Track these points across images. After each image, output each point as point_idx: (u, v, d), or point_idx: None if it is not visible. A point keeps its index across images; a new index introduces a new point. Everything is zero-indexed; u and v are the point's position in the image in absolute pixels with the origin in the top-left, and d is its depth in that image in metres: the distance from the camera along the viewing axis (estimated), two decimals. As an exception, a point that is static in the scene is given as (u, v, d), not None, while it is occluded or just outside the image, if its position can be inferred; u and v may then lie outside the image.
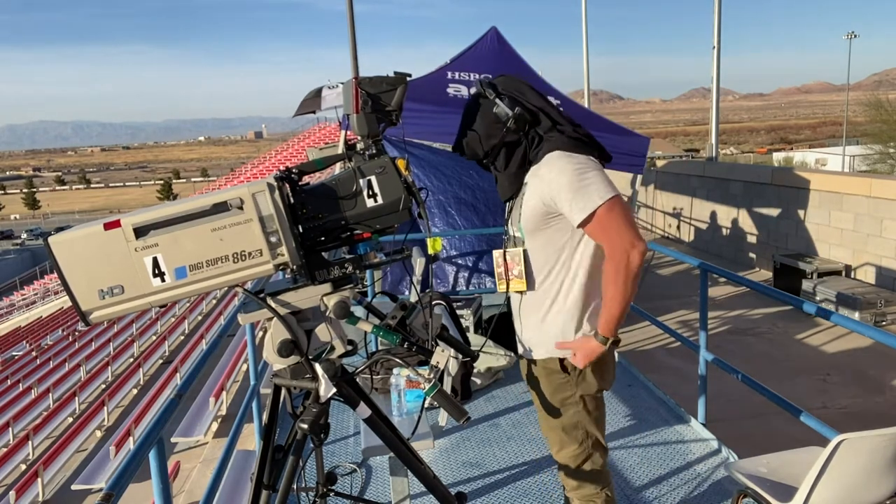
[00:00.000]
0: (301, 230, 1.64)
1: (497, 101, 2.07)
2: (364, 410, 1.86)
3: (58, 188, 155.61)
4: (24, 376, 14.96)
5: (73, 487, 8.88)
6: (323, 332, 1.76)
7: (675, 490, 3.35)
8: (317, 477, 2.04)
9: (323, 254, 1.71)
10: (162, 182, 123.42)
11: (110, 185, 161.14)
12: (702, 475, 3.48)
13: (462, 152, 2.19)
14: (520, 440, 3.93)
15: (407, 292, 6.50)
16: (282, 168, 1.71)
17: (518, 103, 2.08)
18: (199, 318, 17.82)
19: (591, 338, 2.10)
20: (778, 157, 55.63)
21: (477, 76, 7.66)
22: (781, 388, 3.46)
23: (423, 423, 2.48)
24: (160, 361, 14.44)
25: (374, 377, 3.41)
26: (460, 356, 1.98)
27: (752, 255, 10.96)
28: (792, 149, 74.79)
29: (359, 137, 1.74)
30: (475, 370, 4.62)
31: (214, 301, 18.59)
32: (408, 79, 1.80)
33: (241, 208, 1.55)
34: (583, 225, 2.02)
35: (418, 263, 5.37)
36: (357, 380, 1.90)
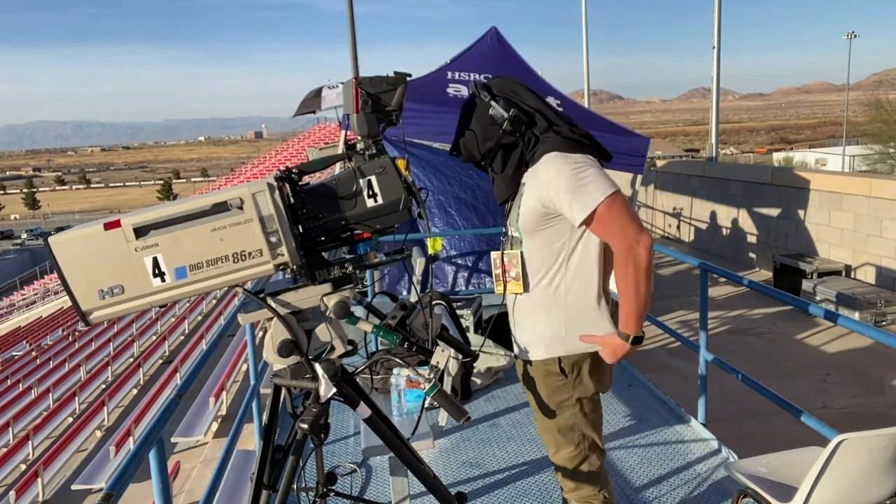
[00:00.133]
0: (301, 230, 1.64)
1: (492, 103, 2.07)
2: (364, 410, 1.86)
3: (58, 188, 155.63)
4: (24, 376, 14.96)
5: (73, 487, 8.89)
6: (323, 332, 1.76)
7: (675, 490, 3.35)
8: (317, 477, 2.04)
9: (323, 254, 1.71)
10: (162, 182, 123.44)
11: (110, 185, 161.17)
12: (702, 475, 3.48)
13: (459, 155, 2.19)
14: (520, 440, 3.93)
15: (404, 292, 6.51)
16: (282, 168, 1.71)
17: (513, 105, 2.07)
18: (199, 318, 17.82)
19: (615, 335, 2.09)
20: (778, 157, 55.64)
21: (477, 76, 7.66)
22: (781, 388, 3.46)
23: (423, 423, 2.48)
24: (160, 361, 14.44)
25: (374, 377, 3.41)
26: (460, 356, 1.98)
27: (752, 255, 10.96)
28: (792, 149, 74.80)
29: (359, 137, 1.74)
30: (475, 370, 4.62)
31: (214, 301, 18.59)
32: (408, 79, 1.80)
33: (241, 208, 1.55)
34: (585, 224, 2.02)
35: (418, 263, 5.37)
36: (357, 380, 1.90)
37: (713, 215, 12.02)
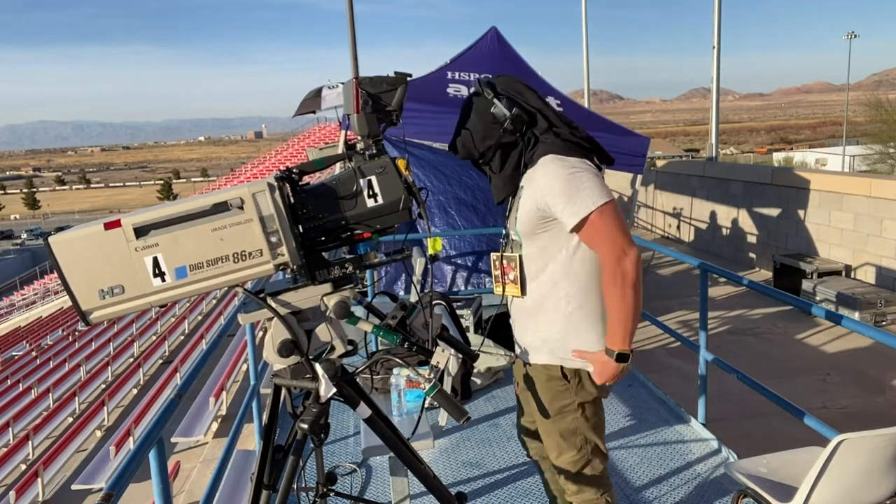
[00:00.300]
0: (301, 230, 1.64)
1: (495, 101, 2.05)
2: (364, 410, 1.86)
3: (58, 188, 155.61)
4: (24, 376, 14.96)
5: (73, 487, 8.88)
6: (323, 332, 1.76)
7: (675, 490, 3.35)
8: (317, 477, 2.04)
9: (323, 254, 1.71)
10: (162, 182, 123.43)
11: (110, 185, 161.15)
12: (702, 475, 3.48)
13: (457, 151, 2.18)
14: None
15: (401, 293, 6.50)
16: (282, 168, 1.71)
17: (516, 104, 2.06)
18: (199, 318, 17.81)
19: (604, 353, 2.08)
20: (778, 157, 55.62)
21: (477, 76, 7.66)
22: (781, 388, 3.46)
23: (423, 423, 2.48)
24: (160, 361, 14.44)
25: (374, 377, 3.41)
26: (460, 356, 1.98)
27: (752, 255, 10.96)
28: (792, 149, 74.79)
29: (359, 137, 1.74)
30: (475, 370, 4.62)
31: (214, 301, 18.59)
32: (408, 79, 1.79)
33: (241, 208, 1.55)
34: (576, 230, 2.01)
35: (418, 263, 5.37)
36: (357, 380, 1.90)
37: (713, 215, 12.02)
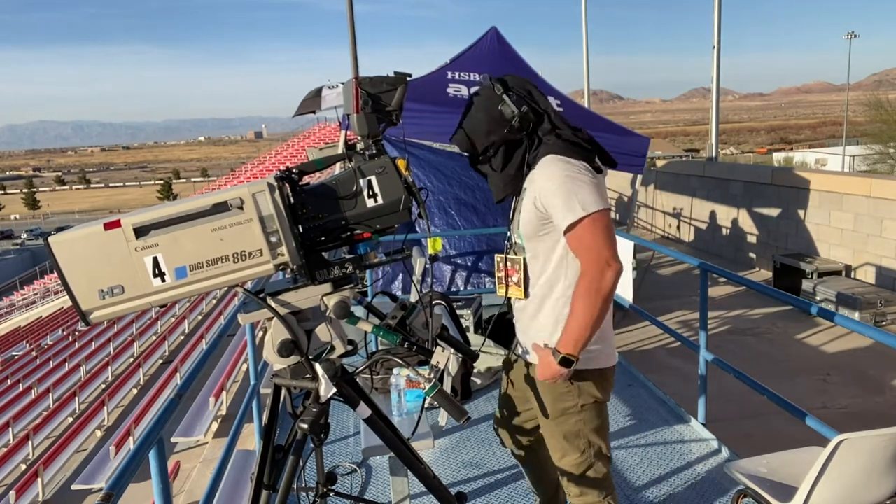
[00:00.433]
0: (301, 230, 1.64)
1: (504, 97, 2.04)
2: (364, 410, 1.86)
3: (58, 188, 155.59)
4: (24, 376, 14.95)
5: (73, 487, 8.88)
6: (323, 332, 1.76)
7: (675, 490, 3.35)
8: (317, 477, 2.04)
9: (323, 254, 1.71)
10: (162, 182, 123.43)
11: (110, 185, 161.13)
12: (702, 475, 3.48)
13: (460, 143, 2.14)
14: (520, 440, 3.92)
15: (399, 293, 6.50)
16: (282, 168, 1.71)
17: (525, 102, 2.06)
18: (199, 318, 17.81)
19: (550, 353, 2.06)
20: (778, 157, 55.61)
21: (477, 76, 7.67)
22: (781, 388, 3.46)
23: (423, 423, 2.48)
24: (160, 361, 14.44)
25: (374, 377, 3.41)
26: (460, 356, 1.98)
27: (752, 255, 10.96)
28: (792, 149, 74.77)
29: (359, 137, 1.74)
30: (475, 370, 4.62)
31: (214, 301, 18.59)
32: (408, 79, 1.79)
33: (241, 208, 1.55)
34: (566, 232, 2.01)
35: (418, 263, 5.37)
36: (357, 380, 1.90)
37: (713, 215, 12.02)
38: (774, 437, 4.76)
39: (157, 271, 1.54)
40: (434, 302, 1.92)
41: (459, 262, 7.02)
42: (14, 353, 19.20)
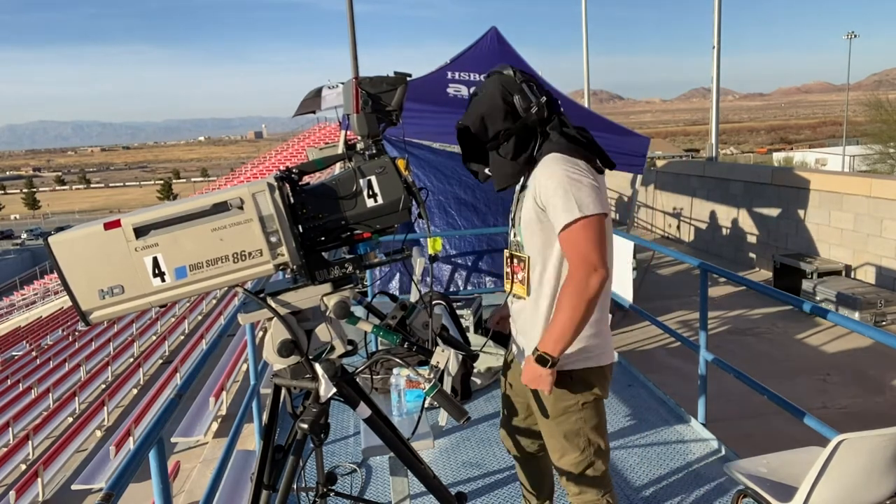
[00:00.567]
0: (301, 230, 1.64)
1: (524, 86, 2.04)
2: (364, 410, 1.86)
3: (58, 188, 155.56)
4: (24, 376, 14.95)
5: (73, 487, 8.88)
6: (323, 332, 1.76)
7: (675, 490, 3.35)
8: (317, 477, 2.04)
9: (323, 254, 1.71)
10: (162, 182, 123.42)
11: (110, 185, 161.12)
12: (702, 475, 3.48)
13: (473, 124, 2.08)
14: (520, 440, 3.92)
15: (396, 292, 6.50)
16: (282, 168, 1.71)
17: (543, 93, 2.06)
18: (199, 318, 17.81)
19: (532, 360, 2.06)
20: (778, 157, 55.60)
21: (477, 76, 7.67)
22: (781, 388, 3.46)
23: (423, 423, 2.48)
24: (160, 361, 14.44)
25: (374, 377, 3.41)
26: (460, 356, 1.98)
27: (752, 255, 10.96)
28: (792, 149, 74.76)
29: (359, 137, 1.74)
30: (475, 370, 4.62)
31: (214, 301, 18.59)
32: (408, 79, 1.79)
33: (241, 208, 1.55)
34: (560, 232, 2.01)
35: (418, 263, 5.36)
36: (357, 380, 1.90)
37: (713, 215, 12.02)
38: (774, 437, 4.76)
39: (157, 271, 1.54)
40: (434, 302, 1.92)
41: (459, 261, 7.02)
42: (14, 353, 19.20)
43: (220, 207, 1.55)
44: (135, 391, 12.73)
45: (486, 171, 2.20)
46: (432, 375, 1.79)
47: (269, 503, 1.83)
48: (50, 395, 12.97)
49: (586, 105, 15.16)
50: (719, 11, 11.98)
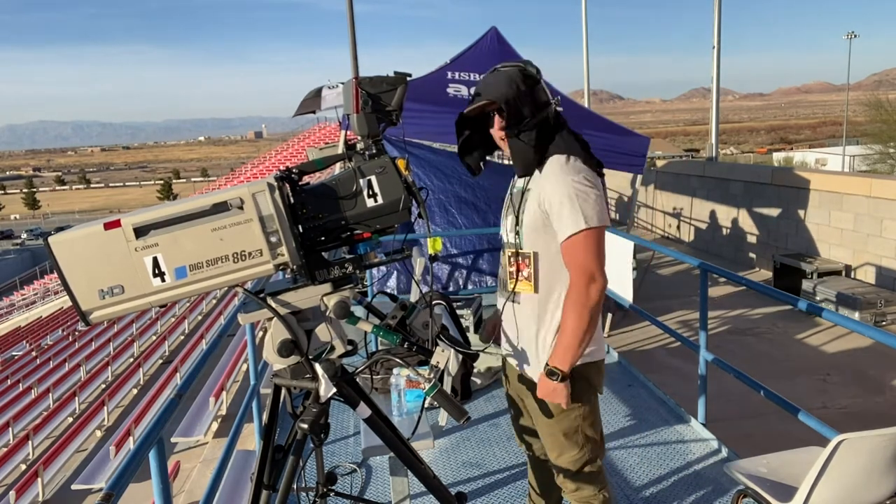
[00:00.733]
0: (301, 230, 1.64)
1: (543, 82, 2.09)
2: (364, 410, 1.86)
3: (58, 188, 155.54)
4: (24, 376, 14.96)
5: (73, 487, 8.88)
6: (323, 332, 1.76)
7: (675, 490, 3.35)
8: (317, 477, 2.04)
9: (323, 254, 1.71)
10: (162, 182, 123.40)
11: (110, 185, 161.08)
12: (702, 475, 3.48)
13: (502, 98, 2.04)
14: (520, 440, 3.92)
15: (395, 292, 6.50)
16: (282, 168, 1.71)
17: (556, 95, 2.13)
18: (199, 318, 17.81)
19: (545, 376, 2.09)
20: (778, 157, 55.59)
21: (477, 76, 7.67)
22: (781, 388, 3.46)
23: (423, 423, 2.48)
24: (160, 361, 14.44)
25: (374, 377, 3.41)
26: (460, 356, 1.98)
27: (752, 255, 10.96)
28: (792, 149, 74.75)
29: (359, 137, 1.74)
30: (475, 370, 4.62)
31: (214, 301, 18.59)
32: (408, 79, 1.79)
33: (241, 208, 1.55)
34: (563, 241, 2.04)
35: (418, 263, 5.36)
36: (357, 380, 1.90)
37: (713, 215, 12.02)
38: (774, 437, 4.76)
39: (157, 271, 1.54)
40: (434, 302, 1.92)
41: (460, 261, 7.02)
42: (14, 353, 19.20)
43: (220, 207, 1.55)
44: (135, 391, 12.73)
45: (486, 159, 2.25)
46: (432, 375, 1.79)
47: (269, 503, 1.83)
48: (50, 395, 12.97)
49: (586, 105, 15.16)
50: (719, 11, 11.98)
